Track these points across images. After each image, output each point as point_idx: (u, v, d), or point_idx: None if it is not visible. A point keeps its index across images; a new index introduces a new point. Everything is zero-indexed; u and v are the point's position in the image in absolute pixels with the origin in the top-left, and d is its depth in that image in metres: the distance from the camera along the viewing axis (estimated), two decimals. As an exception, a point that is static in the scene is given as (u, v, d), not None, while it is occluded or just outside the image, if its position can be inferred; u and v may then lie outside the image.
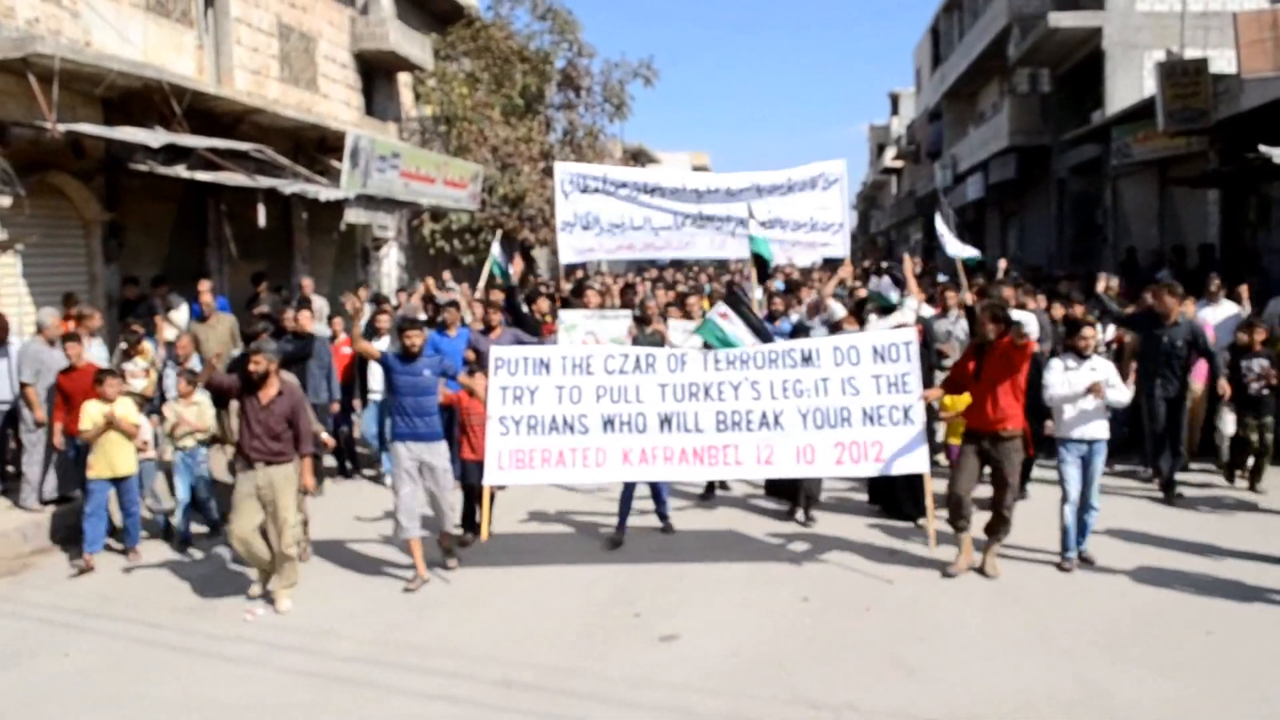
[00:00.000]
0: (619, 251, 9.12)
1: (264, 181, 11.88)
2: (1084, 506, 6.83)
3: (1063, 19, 20.93)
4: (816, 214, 8.81)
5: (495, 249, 11.15)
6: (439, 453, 6.86)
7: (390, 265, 19.65)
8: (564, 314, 8.95)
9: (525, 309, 10.19)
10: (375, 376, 9.76)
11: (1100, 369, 6.88)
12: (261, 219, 11.93)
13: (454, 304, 9.56)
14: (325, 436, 8.47)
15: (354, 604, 6.50)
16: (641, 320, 9.03)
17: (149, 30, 12.67)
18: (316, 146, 15.21)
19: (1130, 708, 4.79)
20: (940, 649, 5.54)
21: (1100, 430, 6.81)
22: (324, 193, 12.86)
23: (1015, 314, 9.73)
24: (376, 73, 19.67)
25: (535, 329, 9.64)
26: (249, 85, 14.85)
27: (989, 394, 6.60)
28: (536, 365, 7.00)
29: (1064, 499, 6.80)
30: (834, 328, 8.72)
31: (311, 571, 7.14)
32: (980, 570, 6.68)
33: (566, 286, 11.47)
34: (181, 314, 11.27)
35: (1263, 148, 11.57)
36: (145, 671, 5.47)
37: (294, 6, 16.52)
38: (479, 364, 8.68)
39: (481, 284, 11.03)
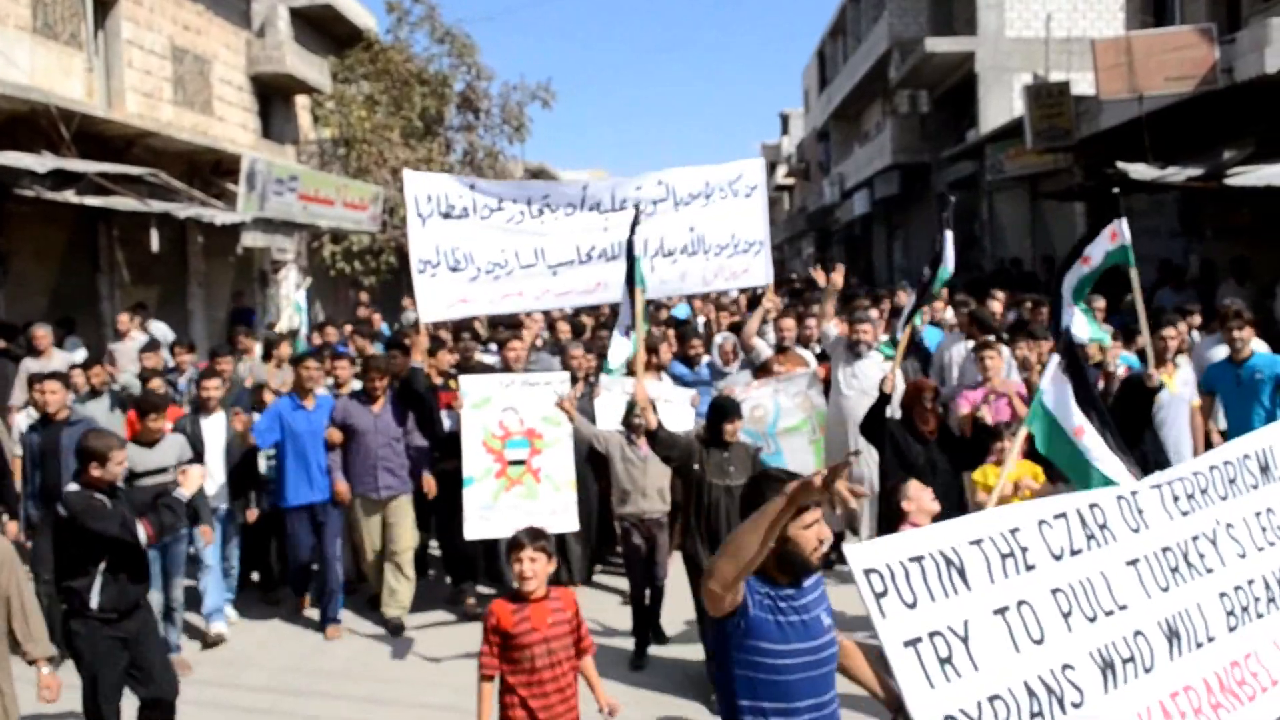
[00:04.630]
0: (504, 302, 6.69)
1: (157, 206, 11.70)
2: None
3: (939, 44, 22.18)
4: (738, 229, 7.10)
5: (300, 294, 10.59)
6: None
7: (289, 288, 19.37)
8: (466, 382, 6.19)
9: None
10: (213, 461, 6.41)
11: None
12: (155, 244, 11.75)
13: (317, 353, 7.01)
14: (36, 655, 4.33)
15: (263, 634, 6.47)
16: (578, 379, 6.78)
17: (36, 53, 12.35)
18: (212, 170, 14.99)
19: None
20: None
21: None
22: (220, 216, 12.72)
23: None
24: (274, 95, 19.43)
25: (425, 400, 6.45)
26: (141, 108, 14.56)
27: None
28: (942, 572, 3.06)
29: None
30: (760, 371, 7.15)
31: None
32: None
33: (449, 358, 7.68)
34: None
35: (1120, 164, 12.59)
36: (55, 710, 5.40)
37: (188, 29, 16.25)
38: (348, 449, 6.22)
39: (283, 324, 10.19)
